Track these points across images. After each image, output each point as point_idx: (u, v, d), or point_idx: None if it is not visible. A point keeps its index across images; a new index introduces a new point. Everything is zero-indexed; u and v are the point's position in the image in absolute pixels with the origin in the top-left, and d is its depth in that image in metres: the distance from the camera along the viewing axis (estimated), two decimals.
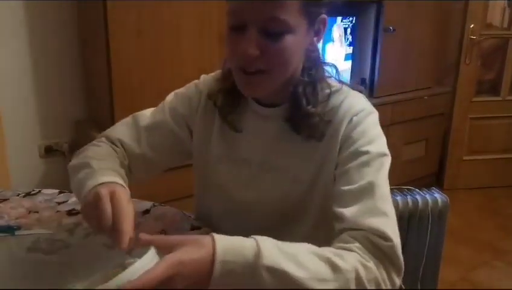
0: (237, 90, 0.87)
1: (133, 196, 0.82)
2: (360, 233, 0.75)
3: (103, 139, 1.00)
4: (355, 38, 2.76)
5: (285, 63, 0.82)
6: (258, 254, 0.65)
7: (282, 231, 0.81)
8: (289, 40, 0.78)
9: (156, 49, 1.98)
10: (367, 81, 2.86)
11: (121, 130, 1.01)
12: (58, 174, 2.15)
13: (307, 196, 0.91)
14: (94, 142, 0.99)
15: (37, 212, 1.10)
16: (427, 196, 1.46)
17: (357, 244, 0.73)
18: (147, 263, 0.60)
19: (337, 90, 0.90)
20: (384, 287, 0.72)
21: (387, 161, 0.84)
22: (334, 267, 0.68)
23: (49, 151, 2.21)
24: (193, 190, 1.10)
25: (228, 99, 0.94)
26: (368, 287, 0.70)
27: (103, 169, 0.84)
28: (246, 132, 0.95)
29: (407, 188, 1.49)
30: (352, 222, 0.76)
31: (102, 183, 0.78)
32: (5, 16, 2.00)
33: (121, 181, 0.81)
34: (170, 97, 1.03)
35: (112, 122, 1.94)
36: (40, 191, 1.21)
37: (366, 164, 0.81)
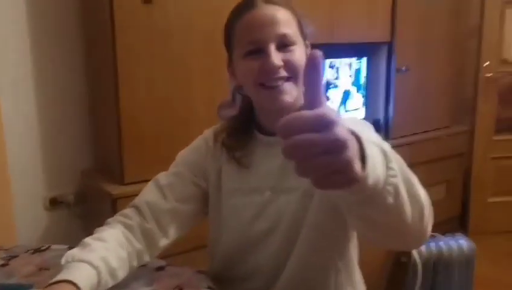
0: (243, 127, 1.04)
1: None
2: None
3: (128, 210, 1.04)
4: (368, 80, 2.73)
5: (301, 69, 0.94)
6: None
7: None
8: (298, 50, 0.96)
9: (166, 96, 1.96)
10: (381, 122, 2.80)
11: (145, 193, 1.07)
12: (63, 227, 2.08)
13: (315, 209, 0.95)
14: (118, 215, 1.03)
15: (48, 269, 1.06)
16: (452, 242, 1.35)
17: None
18: None
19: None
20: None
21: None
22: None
23: (54, 203, 2.13)
24: (199, 241, 1.13)
25: (234, 138, 1.05)
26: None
27: (79, 263, 0.88)
28: (254, 164, 1.03)
29: (431, 235, 1.38)
30: None
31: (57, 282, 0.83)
32: (11, 65, 2.01)
33: (79, 278, 0.84)
34: (180, 153, 1.13)
35: (121, 171, 1.91)
36: (49, 247, 1.18)
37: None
